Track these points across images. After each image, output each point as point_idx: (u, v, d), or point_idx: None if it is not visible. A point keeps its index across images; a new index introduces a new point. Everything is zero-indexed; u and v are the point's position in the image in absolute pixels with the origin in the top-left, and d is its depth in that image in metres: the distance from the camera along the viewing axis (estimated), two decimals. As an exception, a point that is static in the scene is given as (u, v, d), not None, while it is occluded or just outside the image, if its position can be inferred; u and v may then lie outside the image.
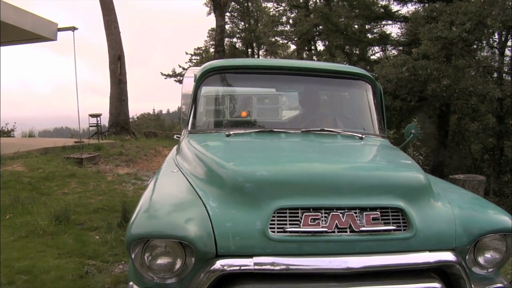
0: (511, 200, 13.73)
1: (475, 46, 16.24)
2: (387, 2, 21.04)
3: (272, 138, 3.46)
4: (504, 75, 16.45)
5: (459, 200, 2.85)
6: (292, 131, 3.59)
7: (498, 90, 13.50)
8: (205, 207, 2.44)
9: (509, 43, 17.71)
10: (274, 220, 2.38)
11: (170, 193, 2.76)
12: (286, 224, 2.38)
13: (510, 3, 13.33)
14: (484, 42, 16.05)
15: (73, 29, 12.40)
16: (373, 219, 2.45)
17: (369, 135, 3.82)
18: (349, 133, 3.71)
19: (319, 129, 3.66)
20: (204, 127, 3.95)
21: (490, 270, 2.70)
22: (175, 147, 4.41)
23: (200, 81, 3.96)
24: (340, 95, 4.57)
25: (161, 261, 2.34)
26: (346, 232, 2.40)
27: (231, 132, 3.53)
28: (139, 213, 2.44)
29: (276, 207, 2.39)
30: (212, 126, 4.01)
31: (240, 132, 3.56)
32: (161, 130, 27.45)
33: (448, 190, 3.06)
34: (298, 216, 2.40)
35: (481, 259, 2.67)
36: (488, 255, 2.68)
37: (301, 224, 2.37)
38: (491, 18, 12.89)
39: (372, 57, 23.61)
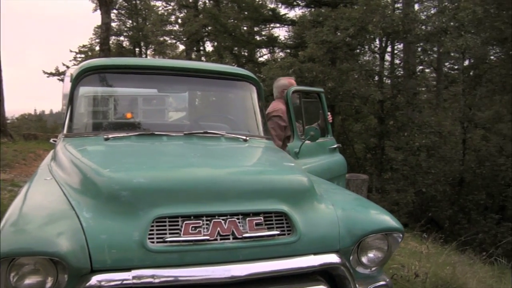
0: (392, 196, 14.48)
1: (358, 50, 16.99)
2: (275, 5, 21.46)
3: (153, 141, 3.28)
4: (384, 78, 17.36)
5: (342, 202, 2.87)
6: (174, 134, 3.42)
7: (379, 93, 14.24)
8: (78, 218, 2.24)
9: (389, 49, 18.81)
10: (153, 230, 2.24)
11: (40, 204, 2.50)
12: (166, 234, 2.25)
13: (389, 12, 14.10)
14: (366, 47, 16.83)
15: None
16: (257, 224, 2.39)
17: (253, 137, 3.76)
18: (233, 135, 3.61)
19: (202, 131, 3.52)
20: (81, 130, 3.65)
21: (373, 269, 2.76)
22: (51, 152, 4.10)
23: (77, 81, 3.65)
24: (224, 97, 4.48)
25: (30, 280, 2.10)
26: (229, 239, 2.32)
27: (110, 136, 3.28)
28: (4, 228, 2.16)
29: (155, 216, 2.25)
30: (90, 129, 3.71)
31: (119, 135, 3.32)
32: (43, 132, 25.92)
33: (332, 192, 3.08)
34: (178, 225, 2.28)
35: (364, 259, 2.71)
36: (371, 254, 2.73)
37: (182, 233, 2.25)
38: (373, 24, 13.54)
39: (260, 59, 23.98)
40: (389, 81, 17.40)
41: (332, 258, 2.51)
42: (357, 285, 2.59)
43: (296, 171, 2.90)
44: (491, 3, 14.97)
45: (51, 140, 4.39)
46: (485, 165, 17.91)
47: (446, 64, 22.97)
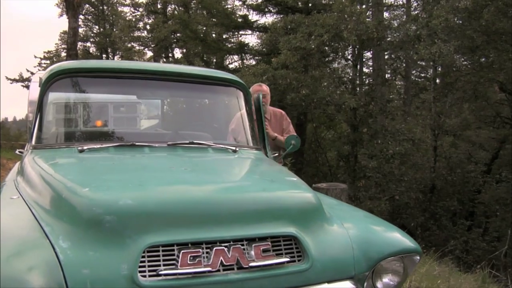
0: (366, 204, 14.33)
1: (331, 57, 16.88)
2: (246, 12, 21.24)
3: (134, 153, 2.89)
4: (357, 86, 17.30)
5: (352, 220, 2.57)
6: (157, 145, 3.06)
7: (353, 100, 14.09)
8: (54, 248, 1.84)
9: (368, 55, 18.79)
10: (144, 262, 1.88)
11: (5, 229, 2.01)
12: (160, 266, 1.89)
13: (363, 19, 14.00)
14: (340, 54, 16.73)
15: None
16: (264, 251, 2.06)
17: (242, 147, 3.41)
18: (221, 145, 3.26)
19: (187, 141, 3.15)
20: (51, 141, 3.21)
21: None
22: (16, 165, 3.66)
23: (47, 85, 3.18)
24: (210, 103, 4.12)
25: None
26: (234, 269, 1.98)
27: (85, 147, 2.86)
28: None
29: (147, 244, 1.89)
30: (62, 139, 3.28)
31: (95, 147, 2.91)
32: (6, 140, 25.02)
33: (337, 208, 2.76)
34: (174, 254, 1.92)
35: (379, 285, 2.40)
36: (386, 279, 2.43)
37: (179, 265, 1.90)
38: (347, 31, 13.39)
39: (231, 65, 23.70)
40: (362, 89, 17.34)
41: (347, 285, 2.21)
42: None
43: (301, 186, 2.57)
44: (463, 12, 15.03)
45: (17, 151, 3.91)
46: (456, 172, 18.03)
47: (414, 72, 23.10)
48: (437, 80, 20.94)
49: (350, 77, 16.96)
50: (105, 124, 3.60)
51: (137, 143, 3.01)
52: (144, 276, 1.86)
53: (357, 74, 17.57)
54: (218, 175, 2.66)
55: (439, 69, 20.67)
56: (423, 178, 17.52)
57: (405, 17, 17.15)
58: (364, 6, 17.15)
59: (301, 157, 18.58)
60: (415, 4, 18.63)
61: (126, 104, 4.30)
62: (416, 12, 17.20)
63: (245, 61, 22.73)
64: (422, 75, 24.13)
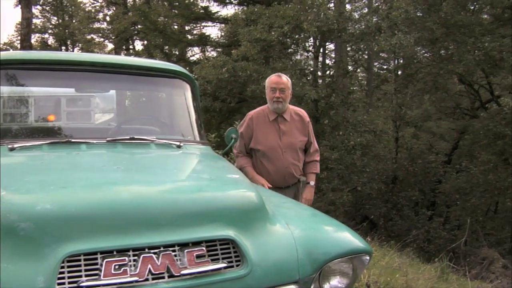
0: (328, 196, 14.34)
1: (291, 49, 16.78)
2: (207, 3, 20.95)
3: (69, 151, 2.68)
4: (319, 78, 17.25)
5: (297, 220, 2.44)
6: (95, 141, 2.85)
7: (314, 92, 14.01)
8: None
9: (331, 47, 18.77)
10: (63, 273, 1.71)
11: None
12: (81, 277, 1.73)
13: (324, 10, 13.95)
14: (301, 46, 16.65)
15: None
16: (198, 256, 1.91)
17: (188, 142, 3.24)
18: (165, 141, 3.07)
19: (128, 137, 2.94)
20: None
21: None
22: None
23: None
24: (154, 96, 3.90)
25: None
26: (164, 278, 1.82)
27: (16, 145, 2.63)
28: None
29: (66, 253, 1.73)
30: None
31: (27, 144, 2.68)
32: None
33: (284, 207, 2.63)
34: (97, 264, 1.76)
35: (326, 287, 2.26)
36: (334, 281, 2.29)
37: (102, 275, 1.73)
38: (308, 22, 13.29)
39: (192, 58, 23.41)
40: (326, 80, 17.32)
41: None
42: None
43: (242, 184, 2.43)
44: (422, 3, 15.15)
45: None
46: (417, 162, 18.26)
47: (376, 64, 23.26)
48: (399, 72, 21.13)
49: (312, 69, 16.87)
50: (42, 119, 3.36)
51: (73, 140, 2.80)
52: (64, 289, 1.68)
53: (319, 66, 17.50)
54: (152, 174, 2.48)
55: (401, 61, 20.87)
56: (385, 169, 17.67)
57: (366, 9, 17.16)
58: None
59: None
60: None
61: (72, 97, 4.04)
62: (377, 4, 17.26)
63: (206, 53, 22.46)
64: (385, 66, 24.32)
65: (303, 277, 2.14)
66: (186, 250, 1.90)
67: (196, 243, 1.94)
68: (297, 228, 2.28)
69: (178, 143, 3.07)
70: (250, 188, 2.39)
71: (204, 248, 1.94)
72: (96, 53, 33.19)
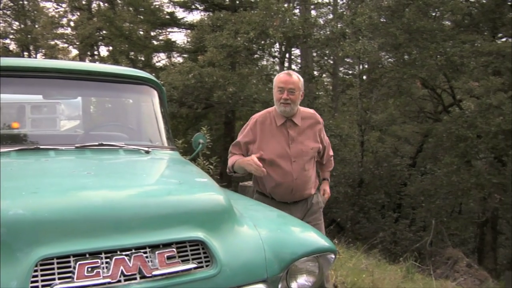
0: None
1: (258, 55, 16.92)
2: (173, 9, 20.97)
3: (38, 157, 2.71)
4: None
5: (265, 221, 2.53)
6: (64, 148, 2.88)
7: (280, 97, 14.15)
8: None
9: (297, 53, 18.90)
10: (37, 276, 1.75)
11: None
12: (54, 280, 1.76)
13: (289, 16, 14.12)
14: (267, 51, 16.80)
15: None
16: (169, 258, 1.96)
17: (156, 147, 3.29)
18: (133, 146, 3.12)
19: (97, 143, 2.98)
20: None
21: None
22: None
23: None
24: (122, 102, 3.92)
25: None
26: (136, 279, 1.88)
27: None
28: None
29: (39, 257, 1.76)
30: None
31: None
32: None
33: (251, 209, 2.73)
34: (70, 267, 1.80)
35: (294, 285, 2.35)
36: (301, 280, 2.38)
37: (75, 277, 1.78)
38: (273, 28, 13.45)
39: (158, 63, 23.36)
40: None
41: None
42: None
43: (210, 188, 2.50)
44: (386, 10, 15.45)
45: None
46: (383, 166, 18.58)
47: (342, 69, 23.60)
48: (364, 77, 21.47)
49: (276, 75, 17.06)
50: (7, 126, 3.34)
51: (41, 146, 2.83)
52: (38, 292, 1.71)
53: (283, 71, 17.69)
54: (122, 178, 2.54)
55: (366, 66, 21.22)
56: (351, 173, 17.94)
57: (331, 15, 17.41)
58: (291, 4, 17.32)
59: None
60: (341, 2, 19.01)
61: (40, 104, 4.02)
62: (342, 10, 17.53)
63: (172, 59, 22.46)
64: (350, 72, 24.68)
65: (271, 276, 2.21)
66: (157, 252, 1.95)
67: (167, 245, 1.99)
68: (264, 229, 2.37)
69: (146, 149, 3.12)
70: (218, 191, 2.45)
71: (174, 249, 2.00)
72: (61, 59, 32.69)
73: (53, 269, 1.78)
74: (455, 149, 15.47)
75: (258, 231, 2.34)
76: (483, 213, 15.85)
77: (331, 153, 4.04)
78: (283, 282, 2.29)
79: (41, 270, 1.77)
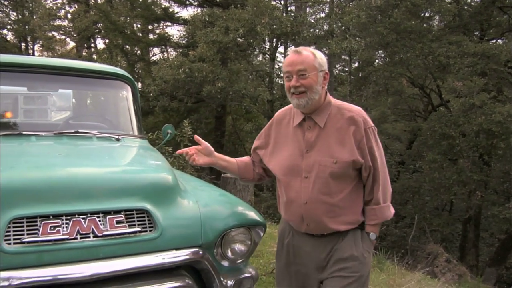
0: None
1: (249, 51, 17.28)
2: (168, 4, 21.29)
3: (20, 142, 3.17)
4: (274, 79, 17.81)
5: (207, 198, 2.97)
6: (43, 134, 3.34)
7: (268, 93, 14.58)
8: None
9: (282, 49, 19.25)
10: (10, 232, 2.21)
11: None
12: (23, 235, 2.22)
13: (278, 14, 14.48)
14: (256, 48, 17.17)
15: None
16: (117, 222, 2.43)
17: (127, 136, 3.77)
18: (105, 134, 3.60)
19: (73, 131, 3.46)
20: None
21: (238, 262, 2.87)
22: None
23: None
24: (98, 96, 4.44)
25: None
26: (90, 237, 2.34)
27: None
28: None
29: (12, 216, 2.22)
30: None
31: None
32: None
33: (199, 189, 3.17)
34: (37, 225, 2.26)
35: (228, 253, 2.81)
36: (234, 248, 2.84)
37: (40, 233, 2.24)
38: (261, 26, 13.84)
39: (153, 58, 23.69)
40: (280, 81, 17.85)
41: (194, 253, 2.61)
42: (222, 278, 2.71)
43: (161, 169, 2.95)
44: (375, 9, 15.81)
45: None
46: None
47: (338, 66, 23.98)
48: (359, 74, 21.83)
49: (268, 71, 17.43)
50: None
51: (24, 132, 3.30)
52: (9, 244, 2.18)
53: (275, 68, 18.05)
54: (87, 159, 3.02)
55: (356, 64, 21.61)
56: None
57: (323, 14, 17.75)
58: (283, 3, 17.71)
59: (220, 149, 18.97)
60: (336, 1, 19.36)
61: (34, 96, 4.44)
62: (331, 9, 17.89)
63: (166, 53, 22.81)
64: (346, 69, 25.04)
65: (205, 242, 2.68)
66: (108, 217, 2.42)
67: (117, 212, 2.46)
68: (204, 204, 2.83)
69: (117, 137, 3.59)
70: (168, 171, 2.91)
71: (123, 215, 2.46)
72: (58, 50, 32.83)
73: (23, 227, 2.24)
74: (437, 147, 15.85)
75: (198, 205, 2.80)
76: (467, 210, 16.23)
77: (386, 178, 2.85)
78: (218, 249, 2.77)
79: (14, 227, 2.22)
